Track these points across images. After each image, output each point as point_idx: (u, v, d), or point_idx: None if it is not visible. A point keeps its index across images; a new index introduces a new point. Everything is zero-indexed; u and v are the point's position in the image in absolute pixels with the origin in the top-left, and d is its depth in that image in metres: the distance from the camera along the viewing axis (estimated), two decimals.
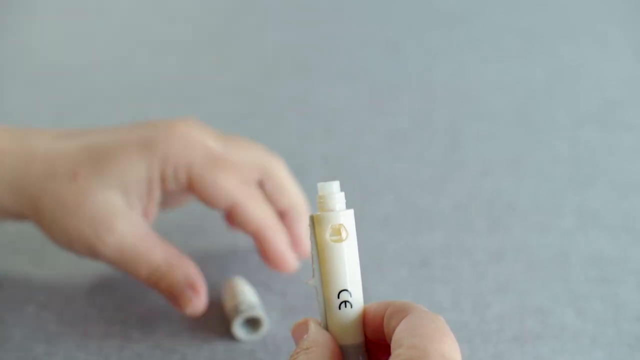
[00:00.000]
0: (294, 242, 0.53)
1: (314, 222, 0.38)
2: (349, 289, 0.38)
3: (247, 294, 0.52)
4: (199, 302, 0.49)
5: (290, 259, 0.51)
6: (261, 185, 0.52)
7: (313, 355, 0.36)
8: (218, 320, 0.52)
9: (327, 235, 0.38)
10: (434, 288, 0.55)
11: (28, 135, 0.49)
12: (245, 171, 0.50)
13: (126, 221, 0.47)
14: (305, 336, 0.38)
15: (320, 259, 0.38)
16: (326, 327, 0.38)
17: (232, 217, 0.50)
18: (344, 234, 0.38)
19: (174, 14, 0.99)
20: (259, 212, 0.49)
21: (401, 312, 0.36)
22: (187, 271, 0.49)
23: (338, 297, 0.38)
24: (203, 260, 0.58)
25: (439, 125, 0.73)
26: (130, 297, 0.55)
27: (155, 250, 0.48)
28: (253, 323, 0.51)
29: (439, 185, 0.65)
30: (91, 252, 0.48)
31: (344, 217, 0.38)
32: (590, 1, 0.95)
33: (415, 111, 0.75)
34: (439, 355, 0.33)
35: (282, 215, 0.53)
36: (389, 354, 0.38)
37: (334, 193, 0.38)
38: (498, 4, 0.95)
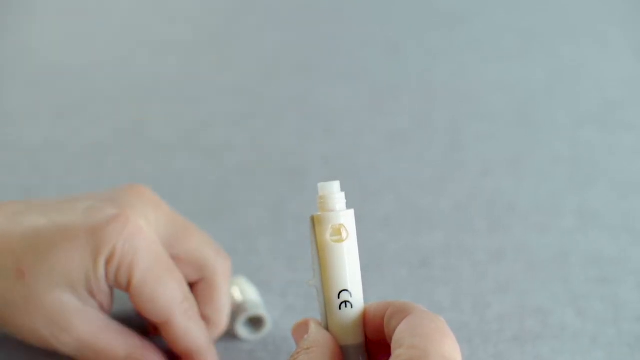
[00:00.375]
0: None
1: (314, 222, 0.38)
2: (349, 289, 0.38)
3: (249, 293, 0.52)
4: None
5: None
6: (194, 285, 0.49)
7: (314, 355, 0.36)
8: None
9: (328, 236, 0.38)
10: (434, 288, 0.54)
11: None
12: (187, 268, 0.48)
13: (81, 318, 0.44)
14: (305, 336, 0.38)
15: (320, 259, 0.38)
16: (327, 328, 0.38)
17: (162, 332, 0.47)
18: (344, 234, 0.38)
19: (174, 14, 0.99)
20: (192, 333, 0.46)
21: (401, 312, 0.36)
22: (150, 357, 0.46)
23: (338, 297, 0.38)
24: None
25: (439, 125, 0.73)
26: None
27: (116, 345, 0.45)
28: (255, 322, 0.51)
29: (439, 185, 0.65)
30: (50, 348, 0.45)
31: (344, 217, 0.38)
32: (590, 1, 0.95)
33: (415, 111, 0.75)
34: (439, 355, 0.33)
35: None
36: (389, 354, 0.38)
37: (334, 193, 0.38)
38: (498, 4, 0.95)
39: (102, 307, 0.46)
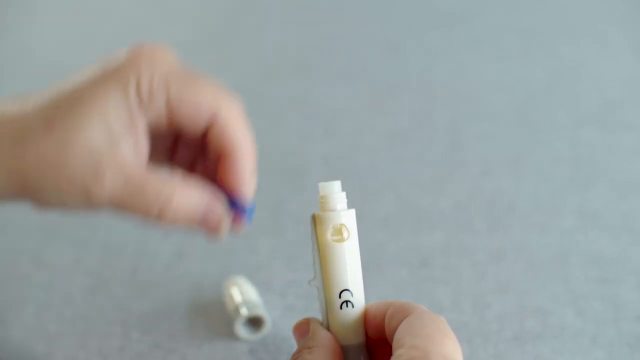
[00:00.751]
0: (233, 189, 0.45)
1: (315, 221, 0.38)
2: (350, 289, 0.38)
3: (249, 294, 0.52)
4: (227, 226, 0.43)
5: (248, 192, 0.45)
6: (209, 128, 0.45)
7: (316, 355, 0.36)
8: (218, 320, 0.52)
9: (329, 235, 0.38)
10: (434, 288, 0.55)
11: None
12: (194, 112, 0.44)
13: (118, 158, 0.41)
14: (307, 336, 0.38)
15: (321, 258, 0.38)
16: (327, 327, 0.38)
17: (209, 133, 0.44)
18: (345, 234, 0.38)
19: (174, 14, 0.99)
20: (239, 129, 0.44)
21: (402, 312, 0.36)
22: (199, 193, 0.43)
23: (339, 297, 0.38)
24: (203, 260, 0.58)
25: (439, 125, 0.73)
26: (130, 297, 0.55)
27: (157, 181, 0.42)
28: (255, 322, 0.51)
29: (439, 185, 0.65)
30: (89, 201, 0.42)
31: (345, 217, 0.38)
32: (590, 1, 0.95)
33: (415, 111, 0.75)
34: (440, 356, 0.33)
35: (220, 158, 0.45)
36: (389, 353, 0.38)
37: (335, 193, 0.38)
38: (498, 4, 0.95)
39: (137, 149, 0.43)
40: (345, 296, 0.38)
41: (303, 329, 0.39)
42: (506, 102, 0.76)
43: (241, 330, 0.50)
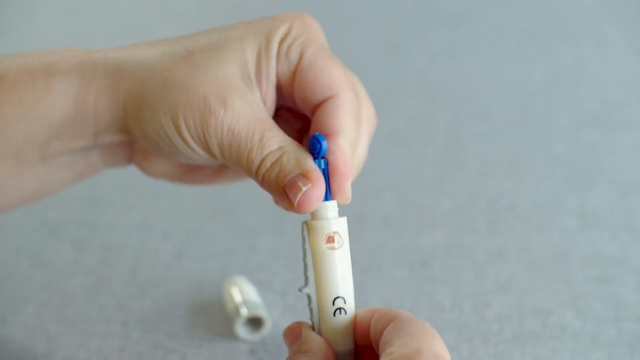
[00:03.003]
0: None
1: (308, 229, 0.38)
2: (343, 296, 0.38)
3: (249, 294, 0.52)
4: (311, 191, 0.39)
5: (348, 189, 0.41)
6: (322, 103, 0.43)
7: (312, 359, 0.36)
8: (218, 320, 0.52)
9: (323, 243, 0.38)
10: (434, 288, 0.54)
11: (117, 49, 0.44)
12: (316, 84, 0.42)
13: (244, 98, 0.40)
14: (299, 341, 0.38)
15: (315, 266, 0.38)
16: (319, 333, 0.38)
17: (319, 108, 0.42)
18: (339, 242, 0.38)
19: (174, 14, 0.99)
20: (351, 117, 0.41)
21: (387, 317, 0.37)
22: (301, 159, 0.40)
23: (333, 304, 0.38)
24: (203, 260, 0.58)
25: (439, 125, 0.73)
26: (130, 297, 0.55)
27: (270, 134, 0.40)
28: (255, 322, 0.51)
29: (439, 185, 0.65)
30: (202, 132, 0.40)
31: (338, 225, 0.38)
32: (590, 2, 0.95)
33: (415, 111, 0.75)
34: (432, 354, 0.33)
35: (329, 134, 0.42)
36: (374, 358, 0.38)
37: (327, 201, 0.39)
38: (498, 4, 0.95)
39: (264, 101, 0.42)
40: (339, 303, 0.38)
41: (294, 334, 0.39)
42: (506, 102, 0.76)
43: (241, 330, 0.50)
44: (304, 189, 0.38)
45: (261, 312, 0.50)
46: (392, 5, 0.96)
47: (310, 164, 0.39)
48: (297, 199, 0.38)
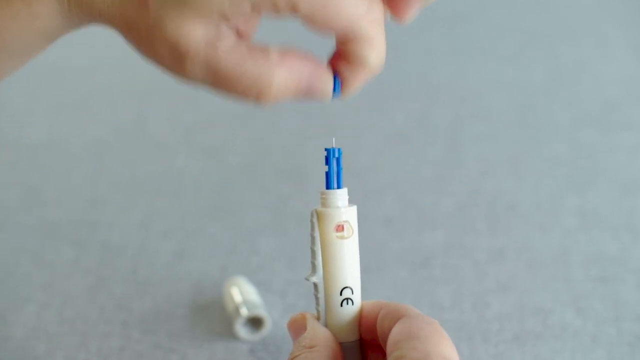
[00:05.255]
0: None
1: (318, 217, 0.38)
2: (351, 287, 0.38)
3: (249, 294, 0.52)
4: (329, 86, 0.40)
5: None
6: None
7: (317, 354, 0.36)
8: (218, 320, 0.52)
9: (332, 232, 0.37)
10: (434, 288, 0.54)
11: None
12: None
13: (206, 47, 0.38)
14: (304, 333, 0.38)
15: (323, 255, 0.37)
16: (324, 323, 0.38)
17: (341, 45, 0.40)
18: (348, 231, 0.38)
19: None
20: (377, 55, 0.40)
21: (395, 314, 0.36)
22: (298, 67, 0.40)
23: (340, 294, 0.38)
24: (203, 260, 0.58)
25: (439, 125, 0.73)
26: (130, 297, 0.55)
27: (255, 62, 0.39)
28: (255, 322, 0.51)
29: (440, 185, 0.65)
30: (181, 78, 0.41)
31: (348, 214, 0.38)
32: (590, 2, 0.95)
33: (416, 111, 0.75)
34: (440, 356, 0.33)
35: None
36: (378, 352, 0.38)
37: (338, 189, 0.38)
38: (498, 5, 0.95)
39: (241, 35, 0.40)
40: (346, 293, 0.38)
41: (299, 325, 0.38)
42: (506, 102, 0.76)
43: (241, 330, 0.50)
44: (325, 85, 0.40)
45: (261, 312, 0.50)
46: None
47: (297, 78, 0.40)
48: (321, 98, 0.40)
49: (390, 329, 0.35)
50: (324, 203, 0.38)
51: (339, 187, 0.38)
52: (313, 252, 0.38)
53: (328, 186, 0.38)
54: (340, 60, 0.41)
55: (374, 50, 0.40)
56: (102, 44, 0.91)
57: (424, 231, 0.60)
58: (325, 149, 0.38)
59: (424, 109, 0.76)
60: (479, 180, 0.65)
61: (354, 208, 0.38)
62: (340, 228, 0.37)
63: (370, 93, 0.79)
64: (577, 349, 0.49)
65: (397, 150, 0.70)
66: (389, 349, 0.34)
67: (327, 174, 0.38)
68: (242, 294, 0.52)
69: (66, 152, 0.71)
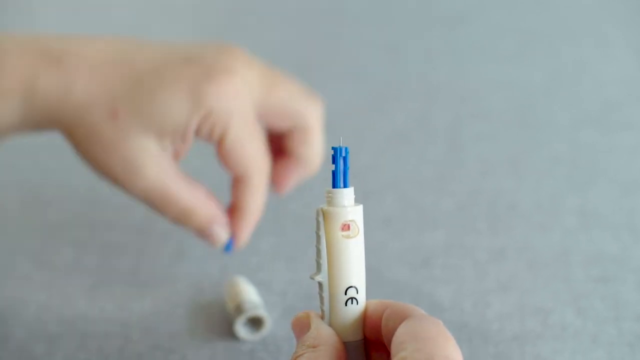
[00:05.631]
0: (278, 182, 0.54)
1: (324, 216, 0.37)
2: (356, 286, 0.38)
3: (249, 293, 0.52)
4: (226, 235, 0.51)
5: (243, 243, 0.53)
6: (289, 133, 0.52)
7: (321, 354, 0.36)
8: (218, 320, 0.52)
9: (338, 231, 0.37)
10: (435, 287, 0.54)
11: (64, 53, 0.47)
12: (279, 119, 0.51)
13: (157, 165, 0.47)
14: (307, 332, 0.37)
15: (328, 254, 0.37)
16: (328, 323, 0.38)
17: (237, 184, 0.50)
18: (354, 230, 0.38)
19: (173, 13, 0.99)
20: (261, 197, 0.51)
21: (400, 314, 0.36)
22: (213, 211, 0.50)
23: (345, 294, 0.37)
24: (203, 260, 0.58)
25: (439, 125, 0.73)
26: (130, 297, 0.54)
27: (182, 194, 0.48)
28: (255, 322, 0.51)
29: (440, 185, 0.65)
30: (121, 188, 0.49)
31: (355, 213, 0.38)
32: (590, 2, 0.95)
33: (416, 111, 0.75)
34: (444, 358, 0.33)
35: (291, 157, 0.53)
36: (382, 352, 0.38)
37: (344, 188, 0.38)
38: (498, 5, 0.95)
39: (176, 157, 0.49)
40: (351, 293, 0.37)
41: (303, 324, 0.38)
42: (506, 102, 0.76)
43: (241, 330, 0.50)
44: (219, 234, 0.51)
45: (261, 312, 0.50)
46: (392, 5, 0.96)
47: (217, 216, 0.50)
48: (217, 245, 0.51)
49: (395, 329, 0.35)
50: (330, 202, 0.38)
51: (345, 186, 0.38)
52: (318, 251, 0.38)
53: (334, 185, 0.38)
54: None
55: (257, 195, 0.51)
56: None
57: (424, 231, 0.60)
58: (332, 148, 0.38)
59: (424, 109, 0.76)
60: (479, 180, 0.65)
61: (360, 207, 0.38)
62: (346, 227, 0.37)
63: (370, 93, 0.80)
64: (577, 349, 0.49)
65: (397, 150, 0.70)
66: (393, 349, 0.34)
67: (334, 173, 0.38)
68: (242, 293, 0.51)
69: (66, 153, 0.71)
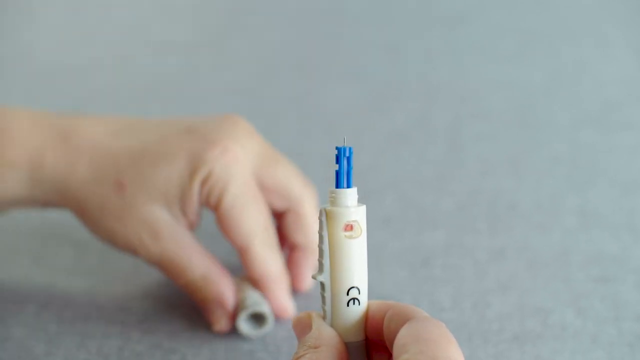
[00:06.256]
0: (296, 280, 0.53)
1: (327, 216, 0.37)
2: (358, 286, 0.37)
3: (252, 290, 0.52)
4: (225, 323, 0.50)
5: (288, 308, 0.51)
6: (283, 215, 0.52)
7: (322, 354, 0.36)
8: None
9: (341, 232, 0.37)
10: (434, 288, 0.54)
11: (71, 130, 0.50)
12: (274, 197, 0.51)
13: (170, 233, 0.48)
14: (309, 333, 0.37)
15: (331, 254, 0.37)
16: (330, 323, 0.38)
17: (241, 256, 0.50)
18: (357, 231, 0.38)
19: (173, 13, 0.99)
20: (268, 261, 0.50)
21: (403, 315, 0.36)
22: (221, 290, 0.50)
23: (347, 294, 0.37)
24: None
25: (439, 125, 0.73)
26: (130, 297, 0.54)
27: (195, 263, 0.49)
28: (258, 319, 0.51)
29: (440, 185, 0.65)
30: (134, 254, 0.50)
31: (358, 213, 0.38)
32: (590, 2, 0.95)
33: (416, 111, 0.75)
34: None
35: (292, 248, 0.54)
36: (384, 353, 0.38)
37: (347, 188, 0.38)
38: (498, 5, 0.95)
39: (190, 226, 0.50)
40: (353, 293, 0.37)
41: (304, 324, 0.38)
42: (506, 102, 0.76)
43: (243, 326, 0.50)
44: (220, 318, 0.50)
45: (263, 309, 0.50)
46: (392, 5, 0.96)
47: (226, 296, 0.50)
48: (215, 325, 0.50)
49: (397, 331, 0.35)
50: (334, 202, 0.38)
51: (348, 186, 0.38)
52: (321, 251, 0.38)
53: (338, 185, 0.38)
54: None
55: (263, 264, 0.51)
56: (102, 45, 0.91)
57: (424, 231, 0.60)
58: (336, 148, 0.38)
59: (424, 109, 0.76)
60: (479, 180, 0.65)
61: (363, 208, 0.38)
62: (349, 227, 0.37)
63: (370, 93, 0.80)
64: (577, 349, 0.49)
65: (397, 150, 0.70)
66: (395, 351, 0.34)
67: (337, 173, 0.38)
68: (245, 290, 0.51)
69: None
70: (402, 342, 0.34)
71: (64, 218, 0.63)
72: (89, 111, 0.78)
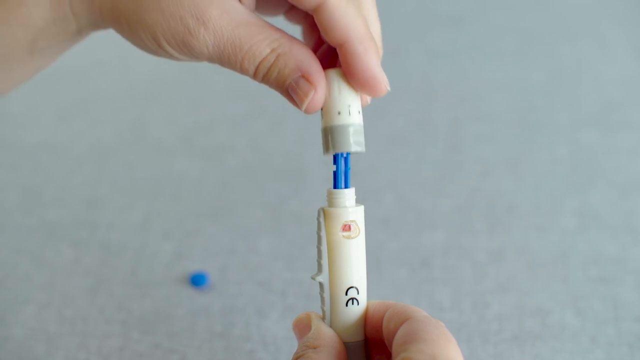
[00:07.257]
0: (363, 72, 0.41)
1: (325, 216, 0.38)
2: (357, 286, 0.38)
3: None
4: (316, 97, 0.40)
5: (382, 79, 0.41)
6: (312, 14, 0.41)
7: (322, 354, 0.36)
8: (218, 319, 0.52)
9: (339, 232, 0.37)
10: (434, 288, 0.55)
11: None
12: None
13: (221, 8, 0.39)
14: (309, 333, 0.38)
15: (330, 254, 0.37)
16: (329, 323, 0.38)
17: (317, 21, 0.39)
18: (355, 231, 0.38)
19: None
20: (350, 18, 0.39)
21: (402, 315, 0.36)
22: (299, 58, 0.39)
23: (346, 294, 0.38)
24: (203, 260, 0.58)
25: (439, 126, 0.73)
26: (130, 297, 0.55)
27: (258, 37, 0.39)
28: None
29: (439, 185, 0.65)
30: (187, 51, 0.40)
31: (355, 214, 0.38)
32: (589, 2, 0.95)
33: (415, 112, 0.75)
34: (447, 359, 0.33)
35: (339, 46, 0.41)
36: (383, 352, 0.38)
37: (345, 189, 0.38)
38: (498, 5, 0.95)
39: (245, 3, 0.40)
40: (352, 293, 0.37)
41: (304, 324, 0.38)
42: (506, 103, 0.76)
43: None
44: (310, 94, 0.39)
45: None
46: (392, 5, 0.96)
47: (308, 64, 0.39)
48: (305, 106, 0.40)
49: (396, 331, 0.35)
50: (331, 202, 0.38)
51: (346, 186, 0.38)
52: (319, 252, 0.38)
53: (336, 185, 0.38)
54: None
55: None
56: (103, 47, 0.91)
57: (423, 231, 0.60)
58: None
59: (424, 109, 0.76)
60: (478, 180, 0.65)
61: (361, 208, 0.38)
62: (347, 228, 0.37)
63: None
64: (576, 350, 0.49)
65: (396, 150, 0.70)
66: (394, 350, 0.35)
67: (335, 174, 0.38)
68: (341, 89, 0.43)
69: (66, 154, 0.71)
70: (401, 342, 0.34)
71: (63, 218, 0.63)
72: (91, 112, 0.78)
